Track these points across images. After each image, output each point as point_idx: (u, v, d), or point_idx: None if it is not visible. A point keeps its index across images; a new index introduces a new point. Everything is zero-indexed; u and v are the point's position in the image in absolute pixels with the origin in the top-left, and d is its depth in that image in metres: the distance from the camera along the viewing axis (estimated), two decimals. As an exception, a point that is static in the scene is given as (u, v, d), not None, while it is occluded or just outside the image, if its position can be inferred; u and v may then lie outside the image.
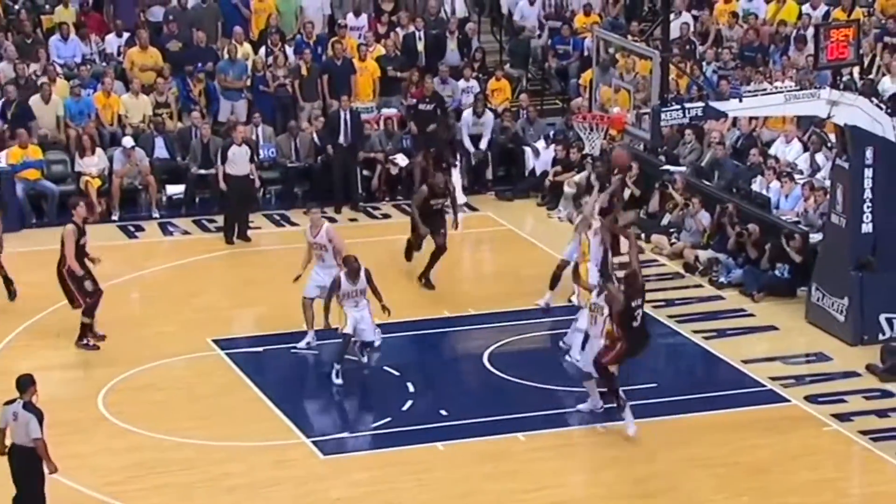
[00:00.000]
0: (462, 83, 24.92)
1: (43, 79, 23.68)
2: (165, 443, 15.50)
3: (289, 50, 25.31)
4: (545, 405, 16.57)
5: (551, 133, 24.86)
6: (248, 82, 24.55)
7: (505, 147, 24.76)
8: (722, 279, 20.39)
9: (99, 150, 23.14)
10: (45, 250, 21.41)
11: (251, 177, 21.94)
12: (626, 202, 22.62)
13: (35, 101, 23.41)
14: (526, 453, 15.51)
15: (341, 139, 23.25)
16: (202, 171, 23.08)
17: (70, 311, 18.92)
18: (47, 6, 25.81)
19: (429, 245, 20.00)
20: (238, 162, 21.70)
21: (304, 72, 24.66)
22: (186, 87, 24.43)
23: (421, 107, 24.11)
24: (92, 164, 22.99)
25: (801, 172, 21.77)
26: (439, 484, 14.85)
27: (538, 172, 24.18)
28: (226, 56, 24.66)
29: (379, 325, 17.49)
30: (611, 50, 22.13)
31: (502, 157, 24.85)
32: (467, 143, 24.41)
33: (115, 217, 22.72)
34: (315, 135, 23.75)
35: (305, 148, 23.81)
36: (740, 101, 19.14)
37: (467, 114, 24.57)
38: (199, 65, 24.73)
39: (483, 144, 24.41)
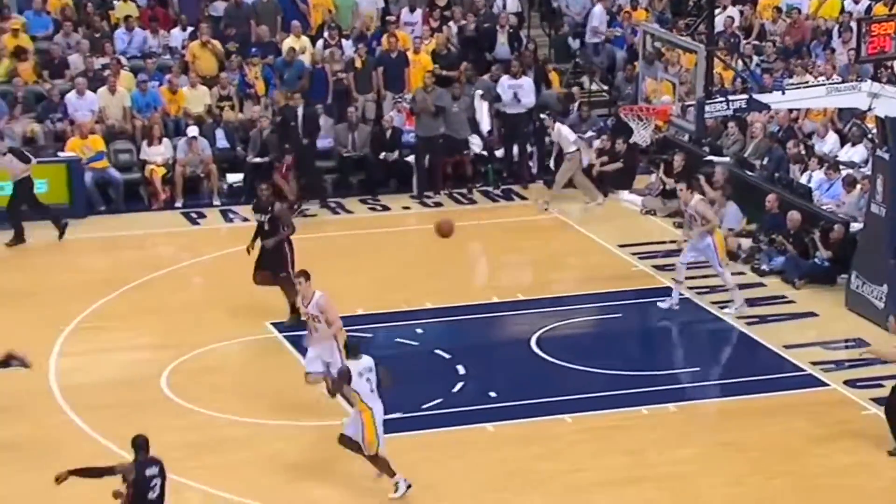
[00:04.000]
0: (507, 80, 24.50)
1: (108, 71, 23.88)
2: (224, 421, 15.58)
3: (346, 44, 25.36)
4: (590, 388, 16.56)
5: (600, 124, 24.81)
6: (306, 83, 24.44)
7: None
8: (764, 267, 20.28)
9: (165, 140, 23.31)
10: (110, 236, 21.72)
11: None
12: (669, 191, 22.68)
13: (102, 92, 23.62)
14: (571, 435, 15.49)
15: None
16: (257, 160, 23.17)
17: (135, 295, 19.09)
18: (114, 1, 26.00)
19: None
20: None
21: (358, 65, 24.70)
22: (242, 72, 24.50)
23: (277, 119, 23.16)
24: (157, 153, 23.16)
25: (844, 165, 21.61)
26: (487, 463, 14.86)
27: (585, 163, 24.09)
28: (284, 54, 24.72)
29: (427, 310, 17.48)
30: (657, 44, 22.11)
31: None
32: (485, 123, 24.08)
33: (178, 204, 22.86)
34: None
35: (363, 139, 23.84)
36: (783, 93, 19.03)
37: (505, 78, 24.21)
38: (254, 49, 24.79)
39: (527, 102, 23.97)
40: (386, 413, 15.69)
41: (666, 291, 19.16)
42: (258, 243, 18.13)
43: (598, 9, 26.84)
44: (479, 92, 24.31)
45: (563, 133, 22.93)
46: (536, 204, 22.89)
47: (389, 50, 24.84)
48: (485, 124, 24.24)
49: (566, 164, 22.95)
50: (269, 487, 14.27)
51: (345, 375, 13.89)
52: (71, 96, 23.48)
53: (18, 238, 21.09)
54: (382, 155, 23.62)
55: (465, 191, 23.65)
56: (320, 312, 15.46)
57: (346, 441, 14.09)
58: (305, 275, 15.60)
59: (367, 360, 14.01)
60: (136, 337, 17.86)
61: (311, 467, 14.73)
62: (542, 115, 23.64)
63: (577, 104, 24.96)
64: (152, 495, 12.30)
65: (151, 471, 12.36)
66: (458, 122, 23.78)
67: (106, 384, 16.40)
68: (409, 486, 14.03)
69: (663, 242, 21.40)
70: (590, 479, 14.52)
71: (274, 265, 17.77)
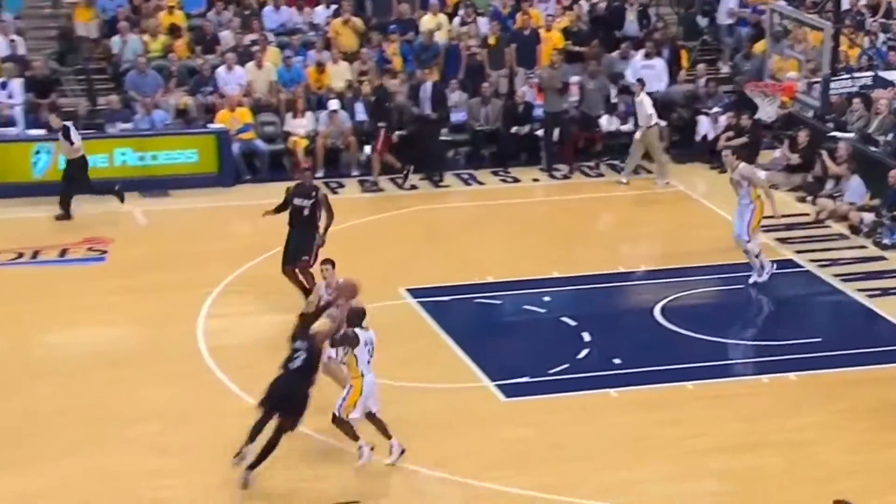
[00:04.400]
0: (640, 60, 24.20)
1: (257, 47, 24.25)
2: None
3: (481, 21, 25.40)
4: (712, 357, 16.48)
5: (726, 100, 24.55)
6: (441, 62, 24.50)
7: (679, 114, 24.48)
8: (885, 241, 19.95)
9: (308, 113, 23.61)
10: (255, 204, 22.01)
11: None
12: (792, 166, 22.39)
13: (250, 67, 24.00)
14: (692, 401, 15.44)
15: (425, 110, 22.86)
16: (396, 133, 23.37)
17: (279, 261, 19.34)
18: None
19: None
20: None
21: (491, 42, 24.75)
22: (381, 48, 24.70)
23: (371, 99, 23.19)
24: (300, 125, 23.48)
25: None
26: (611, 428, 14.88)
27: (710, 138, 23.88)
28: (421, 30, 24.82)
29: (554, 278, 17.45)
30: (784, 22, 21.80)
31: (675, 124, 24.61)
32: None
33: (318, 174, 23.11)
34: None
35: (495, 113, 23.89)
36: (908, 70, 18.69)
37: (639, 57, 23.97)
38: (393, 27, 24.97)
39: (659, 86, 23.62)
40: (514, 377, 15.87)
41: (787, 264, 18.98)
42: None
43: None
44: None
45: (644, 104, 22.53)
46: (655, 183, 22.73)
47: (522, 27, 24.83)
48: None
49: (643, 136, 22.58)
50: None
51: (353, 339, 13.63)
52: (221, 71, 23.91)
53: (65, 213, 20.92)
54: (514, 129, 23.66)
55: (592, 164, 23.59)
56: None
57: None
58: (332, 263, 15.19)
59: (371, 334, 13.79)
60: (280, 300, 18.07)
61: (446, 429, 14.88)
62: (636, 80, 23.20)
63: (704, 79, 24.71)
64: (292, 365, 13.27)
65: (299, 344, 13.33)
66: (593, 100, 23.66)
67: (251, 345, 16.71)
68: (372, 449, 13.66)
69: (786, 216, 21.18)
70: (709, 445, 14.46)
71: (301, 251, 17.20)
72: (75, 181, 21.07)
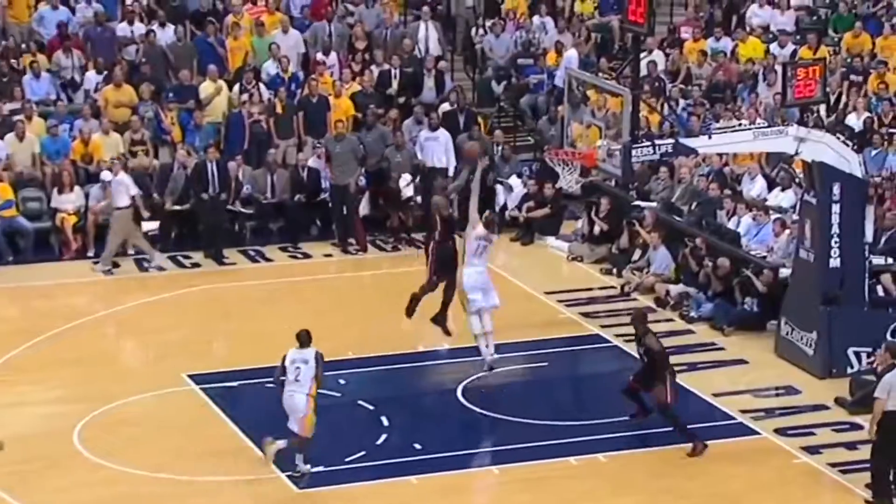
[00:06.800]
0: (424, 133, 23.98)
1: (18, 117, 23.60)
2: (139, 477, 15.38)
3: (263, 87, 25.25)
4: (517, 438, 16.52)
5: (525, 169, 24.85)
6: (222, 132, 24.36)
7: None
8: (692, 313, 20.38)
9: (76, 187, 23.03)
10: (19, 287, 21.40)
11: None
12: (596, 237, 22.77)
13: (10, 139, 23.33)
14: (498, 486, 15.47)
15: (210, 189, 22.43)
16: (177, 208, 22.99)
17: (47, 347, 18.80)
18: (23, 45, 25.72)
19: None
20: None
21: (278, 109, 24.62)
22: (158, 117, 24.30)
23: None
24: (69, 200, 22.87)
25: (773, 209, 21.82)
26: (413, 517, 14.80)
27: (510, 208, 24.12)
28: (202, 97, 24.59)
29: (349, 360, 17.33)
30: (582, 87, 22.22)
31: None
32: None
33: (90, 253, 22.55)
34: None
35: (282, 184, 23.68)
36: (710, 137, 19.22)
37: (424, 133, 23.81)
38: (171, 94, 24.65)
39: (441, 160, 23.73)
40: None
41: (593, 339, 19.26)
42: None
43: (573, 53, 26.77)
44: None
45: (125, 182, 21.99)
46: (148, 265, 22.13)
47: (311, 94, 24.78)
48: None
49: (117, 221, 21.97)
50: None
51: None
52: (-24, 143, 23.17)
53: None
54: (296, 196, 23.43)
55: (387, 238, 23.55)
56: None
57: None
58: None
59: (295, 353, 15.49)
60: (48, 390, 17.62)
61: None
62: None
63: (500, 146, 25.00)
64: None
65: None
66: (400, 173, 23.66)
67: (15, 439, 16.08)
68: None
69: (590, 289, 21.51)
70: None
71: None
72: None
